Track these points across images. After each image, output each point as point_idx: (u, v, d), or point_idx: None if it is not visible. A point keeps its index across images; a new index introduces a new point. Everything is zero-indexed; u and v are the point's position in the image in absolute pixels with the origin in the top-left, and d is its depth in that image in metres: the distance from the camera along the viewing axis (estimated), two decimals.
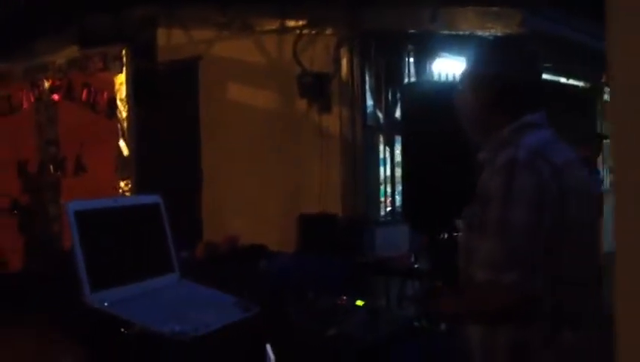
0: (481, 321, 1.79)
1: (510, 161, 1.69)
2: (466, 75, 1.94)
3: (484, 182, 1.75)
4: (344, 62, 5.67)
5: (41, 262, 6.24)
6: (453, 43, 6.01)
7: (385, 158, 6.05)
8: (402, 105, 3.74)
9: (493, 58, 1.88)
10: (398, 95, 5.69)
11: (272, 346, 1.93)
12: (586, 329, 1.76)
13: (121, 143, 5.98)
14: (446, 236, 4.16)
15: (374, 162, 5.94)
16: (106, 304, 1.68)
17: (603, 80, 8.10)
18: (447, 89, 3.74)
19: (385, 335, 2.38)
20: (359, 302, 2.62)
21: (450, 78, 6.28)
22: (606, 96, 9.23)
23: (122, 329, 1.61)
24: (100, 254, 1.76)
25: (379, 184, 5.99)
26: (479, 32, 5.23)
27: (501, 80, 1.81)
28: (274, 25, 6.00)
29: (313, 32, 5.76)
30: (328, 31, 5.72)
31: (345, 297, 2.64)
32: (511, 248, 1.64)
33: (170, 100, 6.37)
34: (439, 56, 6.33)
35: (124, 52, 5.97)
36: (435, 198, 3.46)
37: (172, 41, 6.57)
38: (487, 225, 1.68)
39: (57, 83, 6.29)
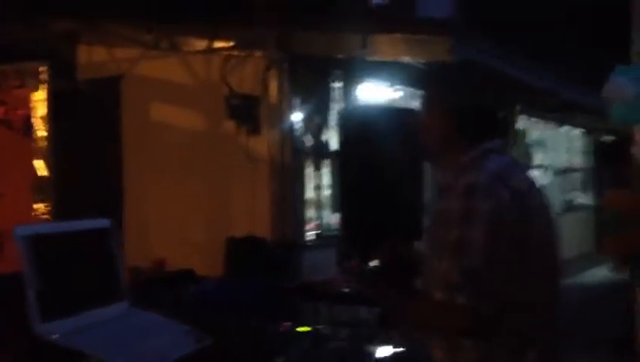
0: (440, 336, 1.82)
1: (471, 186, 1.72)
2: (425, 102, 1.97)
3: (444, 206, 1.77)
4: (273, 84, 5.66)
5: None
6: (380, 69, 6.14)
7: (313, 182, 6.06)
8: (342, 128, 3.76)
9: (453, 85, 1.92)
10: (337, 119, 5.73)
11: None
12: (551, 349, 1.80)
13: (38, 163, 5.72)
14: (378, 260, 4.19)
15: (302, 185, 5.95)
16: (56, 335, 1.57)
17: (517, 108, 8.48)
18: (386, 114, 3.80)
19: (334, 360, 2.36)
20: (302, 328, 2.58)
21: (387, 104, 6.41)
22: (517, 124, 9.66)
23: None
24: (51, 281, 1.66)
25: (306, 207, 5.99)
26: (407, 59, 5.36)
27: (462, 107, 1.85)
28: (202, 45, 5.93)
29: (242, 53, 5.73)
30: (257, 53, 5.70)
31: (288, 323, 2.59)
32: (466, 269, 1.67)
33: (92, 119, 6.16)
34: (366, 82, 6.44)
35: (42, 68, 5.73)
36: (371, 221, 3.48)
37: (94, 58, 6.37)
38: (445, 246, 1.71)
39: None
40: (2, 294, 2.01)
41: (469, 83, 1.93)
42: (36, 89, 5.74)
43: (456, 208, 1.72)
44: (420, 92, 7.08)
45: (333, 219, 6.07)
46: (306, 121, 5.98)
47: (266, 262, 5.26)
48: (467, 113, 1.84)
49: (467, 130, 1.85)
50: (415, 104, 7.11)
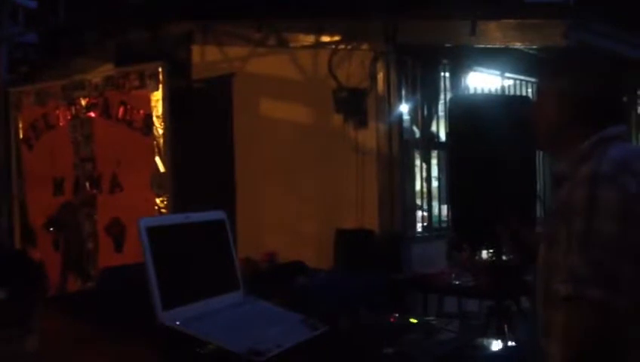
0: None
1: (593, 174, 1.63)
2: (541, 91, 1.90)
3: (564, 197, 1.70)
4: (380, 76, 5.64)
5: (80, 279, 6.27)
6: (489, 56, 5.99)
7: (421, 173, 6.01)
8: (449, 117, 3.71)
9: (573, 71, 1.84)
10: (446, 108, 5.65)
11: None
12: None
13: (157, 160, 6.00)
14: (492, 253, 4.11)
15: (410, 177, 5.91)
16: (178, 323, 1.65)
17: (638, 92, 8.00)
18: (494, 102, 3.71)
19: (444, 354, 2.32)
20: (412, 320, 2.57)
21: (497, 92, 6.26)
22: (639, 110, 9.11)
23: (197, 349, 1.59)
24: (171, 271, 1.74)
25: (415, 199, 5.95)
26: (518, 45, 5.19)
27: (581, 93, 1.76)
28: (309, 40, 6.01)
29: (349, 47, 5.76)
30: (364, 46, 5.71)
31: (397, 314, 2.58)
32: (596, 262, 1.58)
33: (205, 117, 6.40)
34: (474, 70, 6.30)
35: (160, 69, 6.00)
36: (482, 213, 3.40)
37: (207, 57, 6.61)
38: (570, 239, 1.63)
39: (94, 100, 6.34)
40: (127, 284, 2.14)
41: (587, 68, 1.83)
42: (155, 89, 6.00)
43: (579, 198, 1.64)
44: (532, 79, 6.88)
45: (442, 210, 6.00)
46: (414, 112, 5.93)
47: (375, 254, 5.29)
48: (587, 100, 1.75)
49: (587, 117, 1.76)
50: (527, 92, 6.90)
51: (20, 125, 6.95)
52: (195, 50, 6.70)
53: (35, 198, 6.82)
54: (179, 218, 1.90)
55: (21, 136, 6.94)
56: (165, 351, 1.61)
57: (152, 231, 1.73)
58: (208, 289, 1.86)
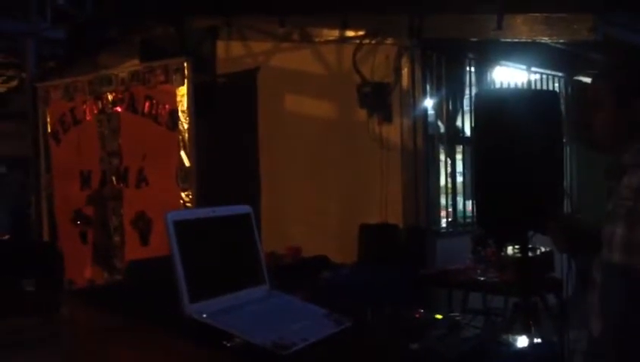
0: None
1: None
2: (597, 94, 1.98)
3: (633, 180, 1.83)
4: (405, 71, 5.62)
5: (107, 272, 6.35)
6: (516, 51, 5.93)
7: (446, 168, 5.99)
8: (475, 112, 3.68)
9: (629, 67, 1.94)
10: (471, 103, 5.62)
11: (351, 360, 1.90)
12: None
13: (182, 155, 6.03)
14: (518, 249, 4.07)
15: (435, 172, 5.88)
16: (205, 315, 1.67)
17: None
18: (521, 96, 3.68)
19: (469, 350, 2.31)
20: (437, 315, 2.55)
21: (524, 87, 6.20)
22: None
23: (223, 342, 1.60)
24: (197, 264, 1.75)
25: (439, 194, 5.93)
26: (545, 39, 5.13)
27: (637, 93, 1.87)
28: (333, 35, 6.00)
29: (373, 41, 5.74)
30: (389, 40, 5.69)
31: (422, 310, 2.58)
32: None
33: (230, 111, 6.42)
34: (500, 65, 6.25)
35: (185, 64, 6.03)
36: (507, 208, 3.38)
37: (231, 52, 6.64)
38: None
39: (120, 95, 6.39)
40: (153, 276, 2.16)
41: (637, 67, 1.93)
42: (180, 84, 6.03)
43: None
44: (559, 73, 6.80)
45: (467, 206, 5.97)
46: (439, 107, 5.90)
47: (398, 249, 5.27)
48: None
49: None
50: (554, 86, 6.83)
51: (48, 119, 7.04)
52: (220, 45, 6.73)
53: (62, 192, 6.91)
54: (205, 212, 1.91)
55: (49, 130, 7.03)
56: (192, 343, 1.62)
57: (179, 225, 1.74)
58: (234, 282, 1.87)
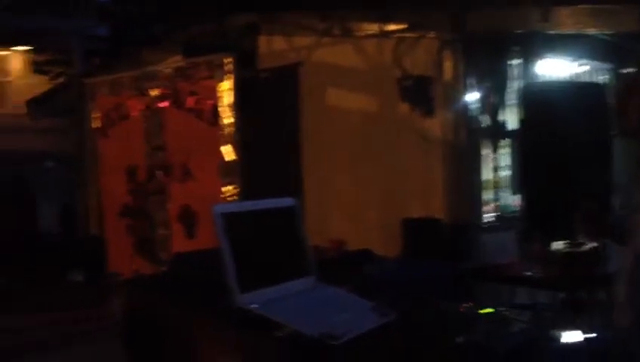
0: None
1: None
2: (636, 73, 1.96)
3: None
4: (447, 64, 5.57)
5: (152, 264, 6.46)
6: (562, 43, 5.83)
7: (490, 162, 5.92)
8: (522, 105, 3.64)
9: None
10: (517, 97, 5.54)
11: (398, 352, 1.90)
12: None
13: (225, 149, 6.10)
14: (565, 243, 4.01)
15: (478, 166, 5.82)
16: (254, 305, 1.69)
17: None
18: (568, 89, 3.62)
19: (517, 344, 2.29)
20: (484, 310, 2.53)
21: (570, 80, 6.10)
22: None
23: (272, 331, 1.62)
24: (245, 256, 1.78)
25: (482, 188, 5.86)
26: (592, 31, 5.04)
27: None
28: (374, 29, 5.99)
29: (415, 35, 5.71)
30: (430, 34, 5.64)
31: (468, 304, 2.55)
32: None
33: (272, 106, 6.47)
34: (547, 57, 6.14)
35: (228, 60, 6.09)
36: (555, 202, 3.33)
37: (273, 47, 6.68)
38: None
39: (165, 91, 6.49)
40: (199, 268, 2.20)
41: None
42: (223, 80, 6.10)
43: None
44: (606, 65, 6.65)
45: (512, 200, 5.89)
46: (482, 100, 5.84)
47: (442, 244, 5.24)
48: None
49: None
50: (601, 78, 6.68)
51: (95, 115, 7.19)
52: (262, 40, 6.77)
53: (109, 186, 7.05)
54: (252, 204, 1.93)
55: (96, 125, 7.18)
56: (241, 332, 1.65)
57: (227, 217, 1.77)
58: (281, 274, 1.89)
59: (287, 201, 2.02)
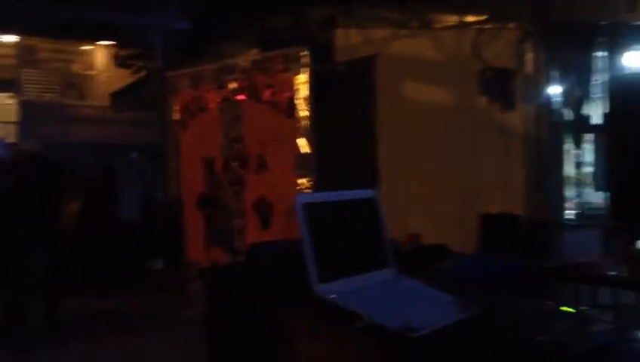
0: None
1: None
2: None
3: None
4: (528, 57, 5.43)
5: (228, 254, 6.58)
6: None
7: (573, 158, 5.74)
8: (609, 99, 3.50)
9: None
10: (602, 90, 5.35)
11: (477, 349, 1.86)
12: None
13: (301, 142, 6.13)
14: None
15: (560, 162, 5.65)
16: (334, 296, 1.70)
17: None
18: None
19: (599, 343, 2.21)
20: (566, 308, 2.46)
21: None
22: None
23: (352, 322, 1.62)
24: (326, 246, 1.79)
25: (564, 185, 5.69)
26: None
27: None
28: (453, 20, 5.89)
29: (495, 26, 5.58)
30: (511, 25, 5.51)
31: (550, 302, 2.49)
32: None
33: (348, 99, 6.46)
34: (634, 49, 5.89)
35: (304, 53, 6.11)
36: None
37: (349, 40, 6.67)
38: None
39: (242, 84, 6.58)
40: (275, 258, 2.22)
41: None
42: (299, 73, 6.13)
43: None
44: None
45: (596, 197, 5.70)
46: (565, 94, 5.66)
47: (521, 240, 5.12)
48: None
49: None
50: None
51: (175, 108, 7.37)
52: (338, 33, 6.77)
53: (188, 176, 7.22)
54: (332, 195, 1.94)
55: (176, 117, 7.36)
56: (321, 322, 1.66)
57: (308, 208, 1.78)
58: (361, 265, 1.90)
59: (367, 193, 2.02)
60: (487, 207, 5.41)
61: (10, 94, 11.21)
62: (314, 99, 6.12)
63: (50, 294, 5.62)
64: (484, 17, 5.63)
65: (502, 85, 5.47)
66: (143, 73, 10.58)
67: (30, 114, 10.62)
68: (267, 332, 1.85)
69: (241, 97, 6.63)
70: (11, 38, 10.83)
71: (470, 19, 5.74)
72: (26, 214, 5.68)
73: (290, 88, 6.16)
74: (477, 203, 5.57)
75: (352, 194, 1.96)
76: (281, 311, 1.81)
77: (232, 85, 6.69)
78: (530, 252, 4.95)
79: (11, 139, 10.08)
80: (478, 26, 5.63)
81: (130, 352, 5.12)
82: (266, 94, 6.38)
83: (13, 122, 10.67)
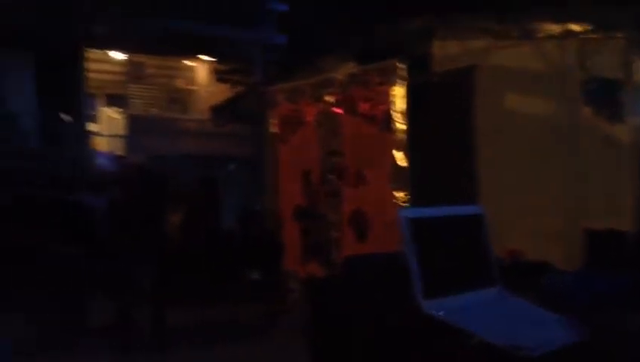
0: None
1: None
2: None
3: None
4: (636, 66, 5.21)
5: (323, 266, 6.64)
6: None
7: None
8: None
9: None
10: None
11: None
12: None
13: (397, 155, 6.11)
14: None
15: None
16: (441, 313, 1.69)
17: None
18: None
19: None
20: None
21: None
22: None
23: (460, 340, 1.61)
24: (431, 262, 1.79)
25: None
26: None
27: None
28: (555, 30, 5.73)
29: (600, 35, 5.39)
30: (618, 34, 5.30)
31: None
32: None
33: (446, 111, 6.39)
34: None
35: (401, 66, 6.09)
36: None
37: (447, 51, 6.61)
38: None
39: (339, 97, 6.63)
40: (372, 271, 2.23)
41: None
42: (396, 85, 6.11)
43: None
44: None
45: None
46: None
47: (629, 257, 4.89)
48: None
49: None
50: None
51: (273, 121, 7.52)
52: (436, 44, 6.73)
53: (286, 189, 7.34)
54: (437, 211, 1.94)
55: (274, 131, 7.51)
56: (427, 338, 1.65)
57: (413, 223, 1.79)
58: (467, 282, 1.88)
59: (473, 209, 2.00)
60: (592, 222, 5.21)
61: (119, 109, 11.78)
62: (411, 112, 6.08)
63: (156, 305, 5.76)
64: (588, 26, 5.44)
65: (608, 96, 5.27)
66: (240, 88, 10.86)
67: (137, 127, 11.09)
68: (367, 343, 1.86)
69: (338, 110, 6.69)
70: (119, 56, 11.37)
71: (573, 28, 5.57)
72: (133, 225, 5.89)
73: (387, 101, 6.16)
74: (580, 217, 5.37)
75: (457, 210, 1.95)
76: (384, 323, 1.81)
77: (329, 99, 6.76)
78: (638, 267, 4.73)
79: (119, 151, 10.61)
80: (582, 36, 5.45)
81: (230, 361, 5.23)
82: (363, 107, 6.41)
83: (121, 135, 11.18)
